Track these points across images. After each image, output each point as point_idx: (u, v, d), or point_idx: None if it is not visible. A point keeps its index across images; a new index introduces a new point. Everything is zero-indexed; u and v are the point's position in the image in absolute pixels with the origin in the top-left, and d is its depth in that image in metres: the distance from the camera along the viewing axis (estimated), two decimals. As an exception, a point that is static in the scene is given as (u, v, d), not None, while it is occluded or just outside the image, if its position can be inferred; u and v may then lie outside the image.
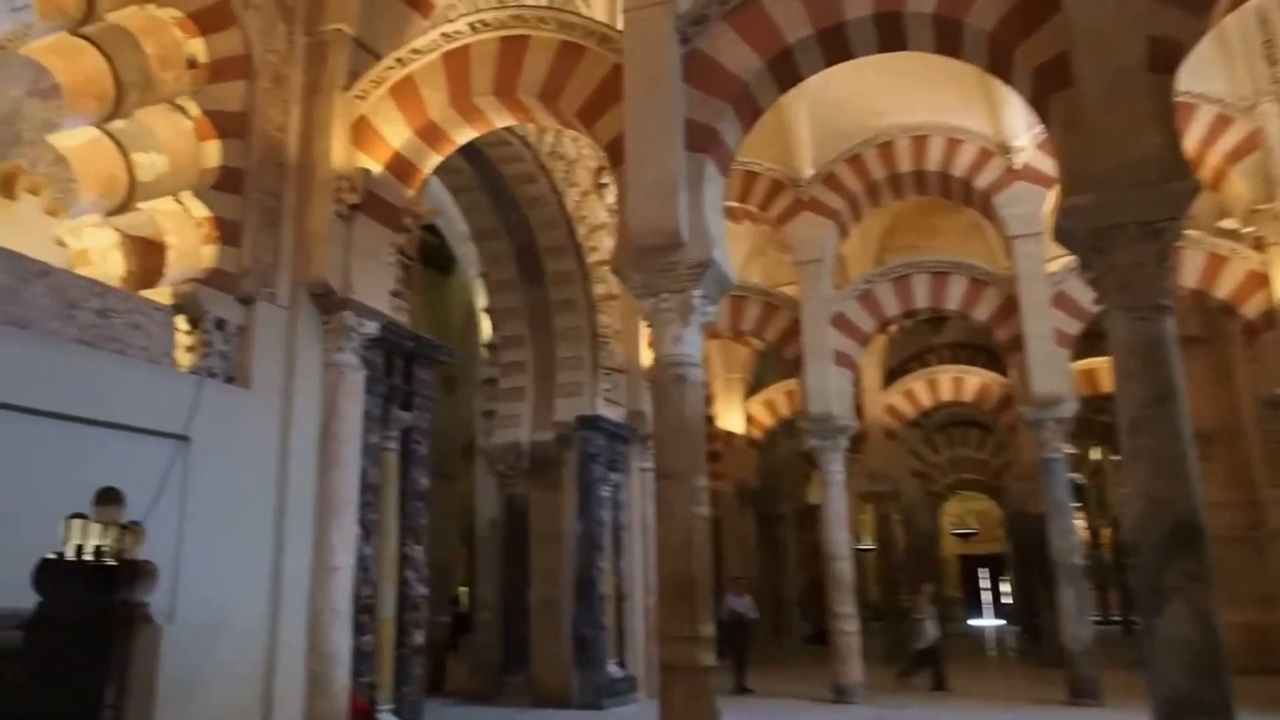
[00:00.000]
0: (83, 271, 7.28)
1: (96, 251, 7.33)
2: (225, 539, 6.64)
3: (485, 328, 14.71)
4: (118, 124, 7.14)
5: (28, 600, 5.28)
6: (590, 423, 13.03)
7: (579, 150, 13.06)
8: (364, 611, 7.99)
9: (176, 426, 6.38)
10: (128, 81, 7.23)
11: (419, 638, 8.74)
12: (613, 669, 12.58)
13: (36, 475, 5.42)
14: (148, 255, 7.30)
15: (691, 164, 6.92)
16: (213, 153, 7.13)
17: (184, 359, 6.83)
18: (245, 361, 7.10)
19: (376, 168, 7.87)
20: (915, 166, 14.35)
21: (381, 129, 7.89)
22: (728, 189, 14.63)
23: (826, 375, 13.68)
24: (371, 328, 7.99)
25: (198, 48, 7.13)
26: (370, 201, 7.87)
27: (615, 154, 7.15)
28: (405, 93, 7.88)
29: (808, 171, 14.52)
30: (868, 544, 27.82)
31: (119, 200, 7.21)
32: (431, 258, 20.43)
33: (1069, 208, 5.56)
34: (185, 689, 6.21)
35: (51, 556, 5.74)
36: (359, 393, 7.99)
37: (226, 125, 7.21)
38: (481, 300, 14.63)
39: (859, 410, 18.73)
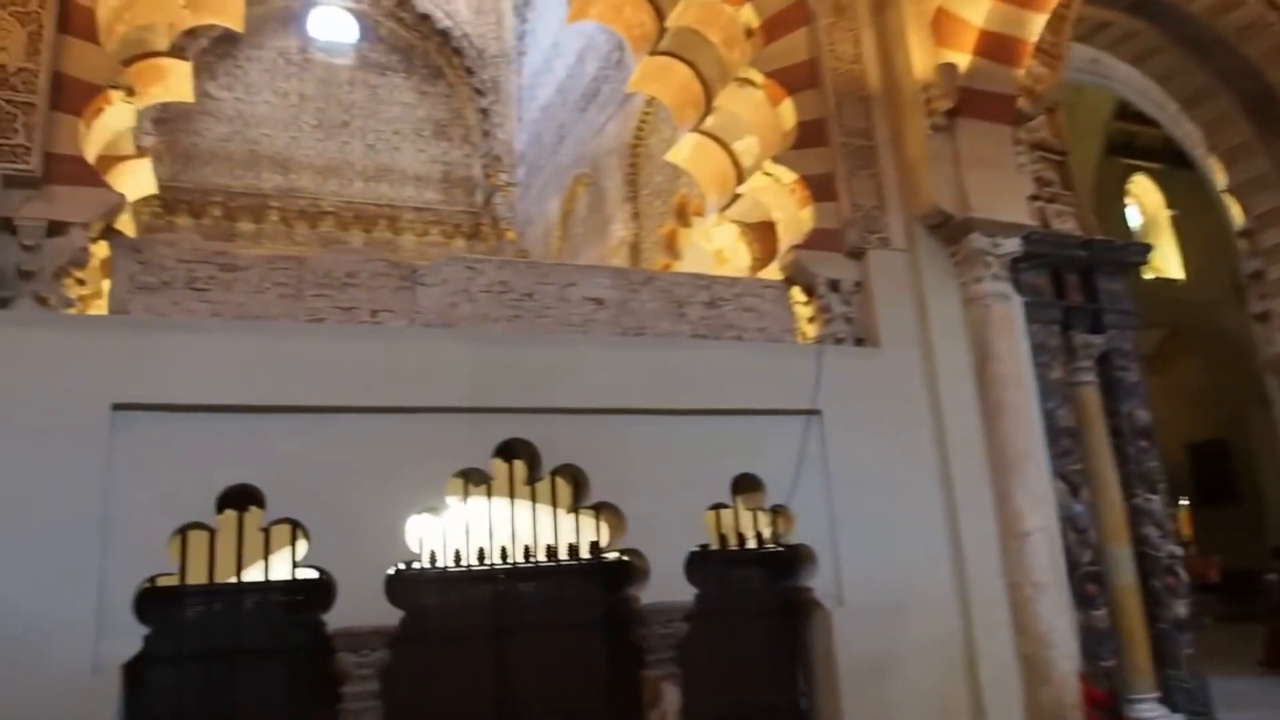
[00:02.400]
0: (722, 270, 7.60)
1: (728, 249, 7.56)
2: (882, 513, 6.05)
3: (1234, 213, 11.49)
4: (709, 121, 7.28)
5: (677, 592, 5.44)
6: None
7: (1303, -67, 9.39)
8: (1089, 581, 6.59)
9: (803, 402, 6.07)
10: (710, 77, 7.34)
11: (1180, 609, 6.89)
12: None
13: (671, 473, 5.58)
14: (765, 237, 7.26)
15: None
16: (787, 113, 6.76)
17: (809, 330, 6.54)
18: (870, 318, 6.48)
19: (965, 59, 6.58)
20: None
21: (961, 12, 6.57)
22: None
23: None
24: (1011, 244, 6.66)
25: (748, 14, 6.87)
26: (969, 101, 6.60)
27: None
28: (977, -44, 6.48)
29: None
30: None
31: (731, 192, 7.32)
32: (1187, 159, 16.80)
33: None
34: (870, 673, 5.75)
35: (710, 548, 5.90)
36: (1016, 324, 6.71)
37: (794, 79, 6.77)
38: (1220, 180, 11.49)
39: None
